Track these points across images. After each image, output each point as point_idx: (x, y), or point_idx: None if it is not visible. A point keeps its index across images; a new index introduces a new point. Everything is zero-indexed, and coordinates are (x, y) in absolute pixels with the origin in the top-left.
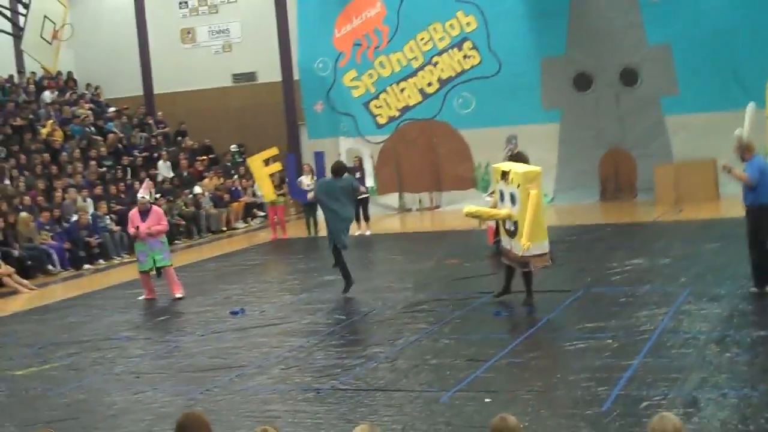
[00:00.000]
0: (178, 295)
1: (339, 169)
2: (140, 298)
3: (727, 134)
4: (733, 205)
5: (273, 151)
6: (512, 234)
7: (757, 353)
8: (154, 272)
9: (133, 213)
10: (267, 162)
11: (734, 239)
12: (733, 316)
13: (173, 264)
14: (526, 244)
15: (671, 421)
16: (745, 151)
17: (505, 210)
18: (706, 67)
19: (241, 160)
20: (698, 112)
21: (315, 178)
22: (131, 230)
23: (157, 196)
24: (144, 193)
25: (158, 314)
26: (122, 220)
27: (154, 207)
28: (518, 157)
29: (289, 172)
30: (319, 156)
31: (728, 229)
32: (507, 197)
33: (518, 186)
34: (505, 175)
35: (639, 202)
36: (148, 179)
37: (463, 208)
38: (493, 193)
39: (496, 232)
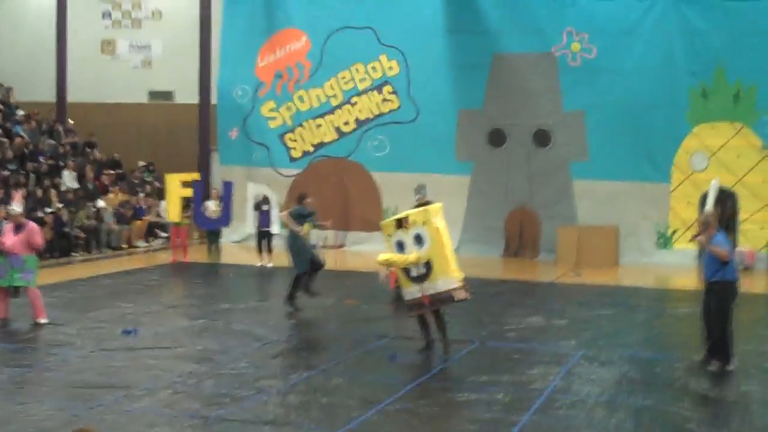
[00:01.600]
0: (41, 321)
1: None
2: None
3: (631, 204)
4: (630, 273)
5: (195, 176)
6: (422, 279)
7: (641, 421)
8: (11, 290)
9: (8, 227)
10: (185, 185)
11: (629, 307)
12: (622, 381)
13: (37, 286)
14: (457, 273)
15: None
16: (710, 226)
17: (413, 254)
18: (616, 136)
19: (149, 179)
20: (605, 179)
21: (222, 204)
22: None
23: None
24: (16, 205)
25: (49, 324)
26: None
27: (31, 223)
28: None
29: (195, 197)
30: (227, 186)
31: (624, 296)
32: (410, 243)
33: (423, 223)
34: (401, 222)
35: (541, 262)
36: (19, 189)
37: (375, 255)
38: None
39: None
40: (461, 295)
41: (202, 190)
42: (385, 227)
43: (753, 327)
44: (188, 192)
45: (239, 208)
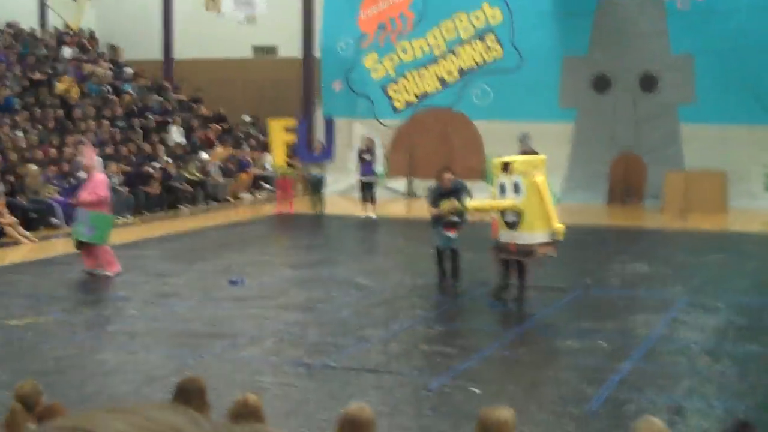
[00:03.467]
0: (105, 273)
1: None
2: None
3: (740, 147)
4: (739, 219)
5: (292, 121)
6: (513, 226)
7: (747, 368)
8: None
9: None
10: (288, 130)
11: (737, 253)
12: (728, 328)
13: (109, 243)
14: (559, 228)
15: (656, 425)
16: None
17: (508, 200)
18: (725, 78)
19: (254, 132)
20: (713, 122)
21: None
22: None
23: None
24: (82, 157)
25: (157, 276)
26: (131, 181)
27: (98, 175)
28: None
29: (300, 137)
30: (329, 123)
31: (732, 242)
32: (509, 188)
33: (522, 174)
34: (506, 166)
35: (646, 208)
36: (87, 142)
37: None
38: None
39: None
40: (544, 250)
41: (306, 130)
42: (494, 165)
43: None
44: (292, 137)
45: (343, 155)
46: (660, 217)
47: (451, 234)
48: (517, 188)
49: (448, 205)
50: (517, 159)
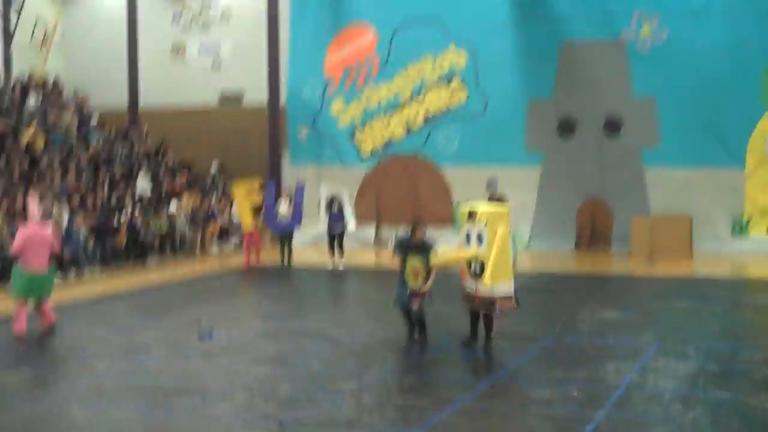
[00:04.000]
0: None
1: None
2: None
3: (705, 191)
4: (706, 263)
5: (255, 183)
6: (478, 276)
7: (720, 414)
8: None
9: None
10: (250, 193)
11: (705, 298)
12: (699, 375)
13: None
14: (488, 281)
15: None
16: None
17: (471, 251)
18: (688, 121)
19: (220, 181)
20: (678, 166)
21: (293, 204)
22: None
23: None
24: (30, 209)
25: (125, 330)
26: (97, 234)
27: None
28: (498, 200)
29: (267, 199)
30: (299, 186)
31: (700, 287)
32: (474, 238)
33: (486, 224)
34: (471, 215)
35: (614, 253)
36: (31, 194)
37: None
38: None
39: None
40: (505, 305)
41: (274, 193)
42: (462, 214)
43: None
44: (257, 199)
45: (311, 208)
46: (627, 262)
47: (416, 306)
48: (480, 238)
49: (416, 264)
50: (482, 208)
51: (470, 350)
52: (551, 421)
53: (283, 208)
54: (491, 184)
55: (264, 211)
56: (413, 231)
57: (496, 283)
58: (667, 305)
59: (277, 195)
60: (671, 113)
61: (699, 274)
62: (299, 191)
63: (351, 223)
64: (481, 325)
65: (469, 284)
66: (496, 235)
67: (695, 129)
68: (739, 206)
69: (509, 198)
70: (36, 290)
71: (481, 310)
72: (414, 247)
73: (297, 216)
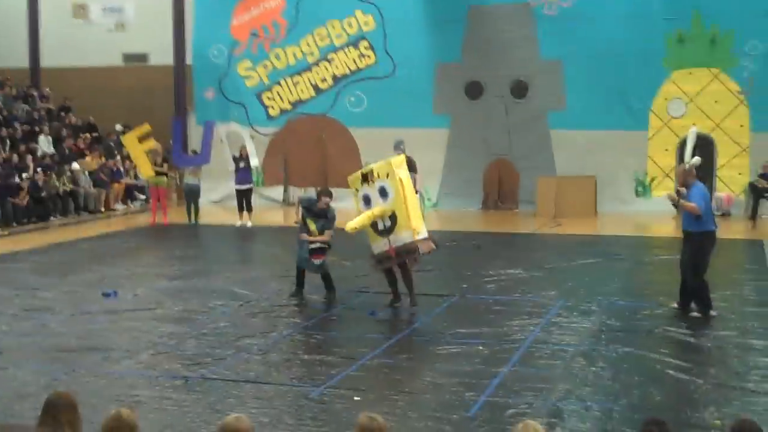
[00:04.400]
0: None
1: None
2: None
3: (610, 153)
4: (609, 223)
5: (146, 127)
6: (388, 232)
7: (621, 368)
8: None
9: None
10: (141, 139)
11: (608, 256)
12: (602, 331)
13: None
14: (418, 227)
15: (534, 429)
16: (687, 177)
17: (377, 208)
18: (593, 84)
19: None
20: (583, 128)
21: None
22: None
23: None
24: None
25: (27, 289)
26: None
27: None
28: (407, 162)
29: (174, 137)
30: (207, 124)
31: (604, 245)
32: (375, 197)
33: (387, 176)
34: (366, 177)
35: (520, 213)
36: None
37: (354, 212)
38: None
39: None
40: (426, 247)
41: (180, 132)
42: (352, 182)
43: (730, 272)
44: (149, 145)
45: (216, 167)
46: (533, 222)
47: (318, 261)
48: (384, 192)
49: (311, 225)
50: (375, 165)
51: (379, 307)
52: (457, 377)
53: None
54: (397, 147)
55: (172, 152)
56: (318, 197)
57: (412, 228)
58: (571, 263)
59: (185, 138)
60: (577, 76)
61: (603, 233)
62: (207, 130)
63: (254, 160)
64: (401, 284)
65: (380, 244)
66: (402, 181)
67: (600, 92)
68: (642, 168)
69: (416, 159)
70: None
71: (401, 260)
72: (316, 213)
73: (205, 153)
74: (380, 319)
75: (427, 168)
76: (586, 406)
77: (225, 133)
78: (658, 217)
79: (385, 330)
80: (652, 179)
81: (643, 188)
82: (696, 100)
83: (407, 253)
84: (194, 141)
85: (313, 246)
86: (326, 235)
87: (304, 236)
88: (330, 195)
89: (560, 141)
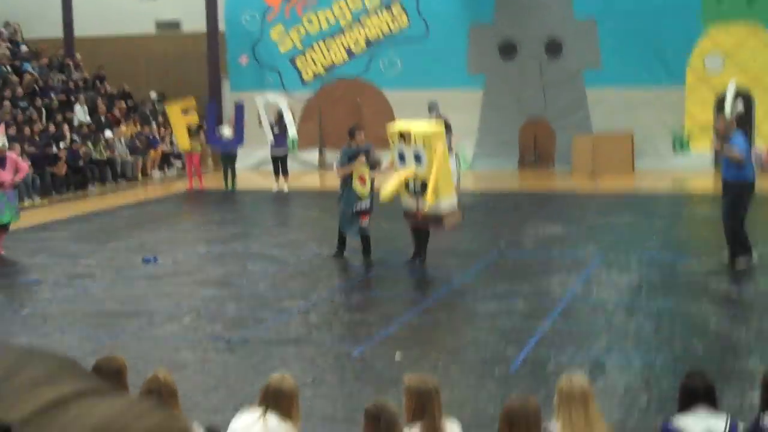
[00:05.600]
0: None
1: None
2: None
3: (646, 109)
4: (646, 179)
5: (190, 101)
6: (419, 194)
7: (661, 322)
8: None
9: None
10: (185, 112)
11: (646, 212)
12: (641, 285)
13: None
14: (431, 198)
15: (579, 381)
16: (729, 127)
17: (409, 169)
18: (629, 41)
19: (161, 108)
20: (619, 86)
21: (235, 126)
22: None
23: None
24: (1, 137)
25: (68, 257)
26: (37, 163)
27: (9, 153)
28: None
29: (208, 119)
30: (239, 107)
31: (642, 202)
32: (410, 157)
33: (423, 144)
34: (404, 135)
35: (556, 172)
36: (1, 122)
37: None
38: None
39: None
40: (451, 221)
41: (215, 111)
42: (390, 134)
43: None
44: (191, 119)
45: (252, 132)
46: (570, 180)
47: (364, 223)
48: (418, 158)
49: (360, 167)
50: (416, 128)
51: (416, 266)
52: (498, 333)
53: (226, 131)
54: (432, 108)
55: (206, 129)
56: (352, 137)
57: (440, 201)
58: (609, 220)
59: (219, 121)
60: (612, 34)
61: (640, 189)
62: (239, 110)
63: (292, 129)
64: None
65: (409, 202)
66: (436, 153)
67: (635, 49)
68: (680, 123)
69: (451, 120)
70: None
71: (425, 227)
72: (357, 153)
73: (239, 135)
74: (419, 278)
75: (463, 129)
76: (628, 359)
77: (263, 104)
78: (696, 173)
79: (424, 289)
80: (690, 135)
81: (681, 144)
82: (733, 55)
83: (432, 222)
84: (229, 108)
85: (360, 207)
86: (383, 167)
87: (342, 171)
88: (362, 128)
89: (596, 99)
